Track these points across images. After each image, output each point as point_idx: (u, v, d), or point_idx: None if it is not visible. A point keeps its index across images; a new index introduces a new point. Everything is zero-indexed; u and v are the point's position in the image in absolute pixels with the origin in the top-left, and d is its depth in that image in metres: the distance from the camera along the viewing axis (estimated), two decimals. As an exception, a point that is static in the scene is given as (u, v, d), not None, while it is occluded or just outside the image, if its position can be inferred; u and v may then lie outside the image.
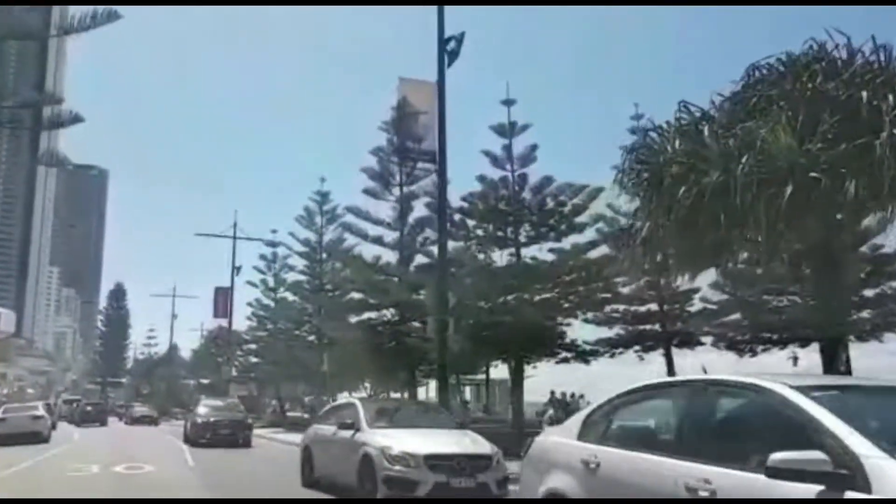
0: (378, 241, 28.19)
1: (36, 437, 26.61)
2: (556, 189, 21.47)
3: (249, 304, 45.19)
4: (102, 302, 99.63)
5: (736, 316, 27.50)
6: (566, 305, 21.17)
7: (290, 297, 40.70)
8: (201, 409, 25.08)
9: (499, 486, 9.50)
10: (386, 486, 9.39)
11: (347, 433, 10.93)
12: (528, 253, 22.21)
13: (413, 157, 17.47)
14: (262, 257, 45.40)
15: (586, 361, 23.43)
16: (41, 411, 28.92)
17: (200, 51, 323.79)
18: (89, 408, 49.27)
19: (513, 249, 22.59)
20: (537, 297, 20.60)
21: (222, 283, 47.43)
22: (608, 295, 22.04)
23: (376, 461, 9.72)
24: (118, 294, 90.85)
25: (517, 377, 22.13)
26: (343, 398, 33.51)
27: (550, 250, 21.19)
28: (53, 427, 36.88)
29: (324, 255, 38.71)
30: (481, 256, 21.70)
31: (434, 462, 9.45)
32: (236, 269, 46.46)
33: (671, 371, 29.13)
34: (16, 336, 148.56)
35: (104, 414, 48.69)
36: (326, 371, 25.69)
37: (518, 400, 22.37)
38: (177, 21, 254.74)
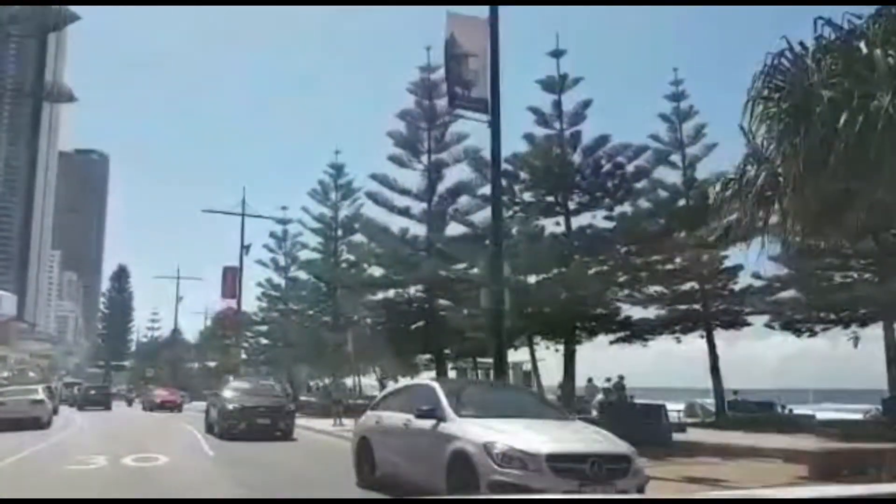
0: (405, 212, 25.69)
1: (35, 423, 24.13)
2: (613, 150, 18.98)
3: (259, 285, 42.71)
4: (105, 285, 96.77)
5: (791, 293, 25.12)
6: (623, 279, 18.62)
7: (303, 275, 38.15)
8: (229, 393, 19.74)
9: (640, 494, 7.01)
10: (493, 493, 6.88)
11: (426, 423, 8.42)
12: (577, 223, 19.79)
13: (463, 104, 14.85)
14: (273, 235, 42.87)
15: (643, 341, 20.95)
16: (41, 395, 26.39)
17: (202, 27, 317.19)
18: (93, 391, 46.70)
19: (560, 219, 20.14)
20: (594, 270, 18.07)
21: (227, 266, 44.84)
22: (671, 266, 19.53)
23: (478, 461, 7.22)
24: (121, 276, 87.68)
25: (569, 358, 19.69)
26: (360, 380, 30.75)
27: (607, 217, 18.67)
28: (55, 411, 34.45)
29: (339, 232, 36.22)
30: (528, 225, 19.11)
31: (560, 464, 6.98)
32: (245, 248, 43.83)
33: (713, 355, 26.75)
34: (18, 320, 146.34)
35: (108, 397, 46.11)
36: (351, 352, 23.23)
37: (569, 383, 19.92)
38: None
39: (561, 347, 20.51)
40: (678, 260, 19.43)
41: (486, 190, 22.13)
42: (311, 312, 36.35)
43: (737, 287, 25.97)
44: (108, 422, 30.04)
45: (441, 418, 8.25)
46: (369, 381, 62.29)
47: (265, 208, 45.37)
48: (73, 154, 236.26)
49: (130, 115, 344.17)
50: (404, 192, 25.57)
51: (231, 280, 43.89)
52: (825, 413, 31.07)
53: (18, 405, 24.67)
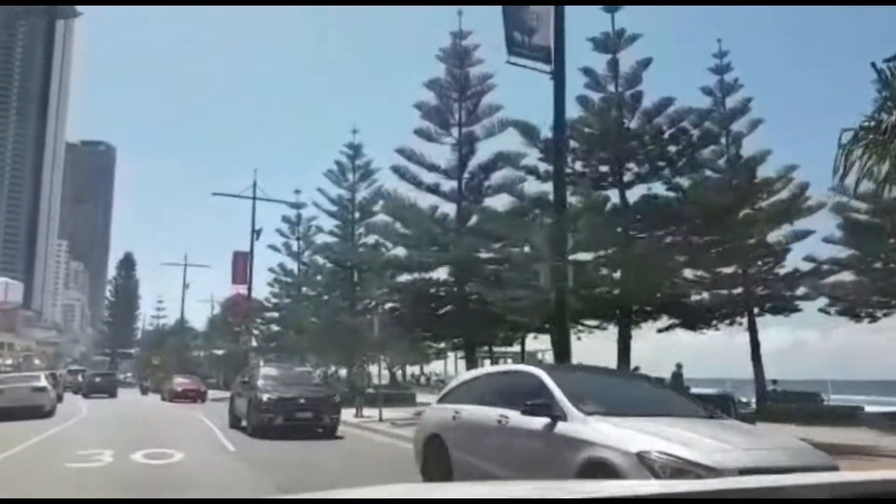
0: (433, 189, 23.53)
1: (37, 412, 22.13)
2: (676, 114, 16.83)
3: (271, 270, 40.61)
4: (111, 273, 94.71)
5: (850, 275, 23.03)
6: (689, 259, 16.42)
7: (318, 260, 36.06)
8: (263, 381, 16.08)
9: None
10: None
11: (535, 422, 6.28)
12: (632, 195, 17.61)
13: (522, 52, 12.73)
14: (286, 219, 40.78)
15: (698, 327, 18.82)
16: (43, 381, 24.31)
17: (208, 12, 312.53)
18: (98, 378, 44.34)
19: (613, 191, 17.98)
20: (658, 246, 15.87)
21: (238, 251, 42.70)
22: (739, 245, 17.33)
23: (630, 477, 5.13)
24: (127, 263, 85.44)
25: (623, 345, 17.56)
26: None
27: (670, 188, 16.46)
28: (59, 399, 32.59)
29: (357, 215, 34.09)
30: (589, 196, 16.89)
31: None
32: (256, 233, 41.74)
33: (755, 342, 24.74)
34: (24, 308, 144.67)
35: (114, 385, 44.00)
36: (377, 337, 21.14)
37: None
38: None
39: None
40: (749, 238, 17.32)
41: (524, 164, 20.13)
42: (326, 298, 34.27)
43: (783, 270, 23.96)
44: (115, 411, 28.01)
45: (559, 416, 6.10)
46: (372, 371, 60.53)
47: (276, 194, 43.21)
48: (79, 145, 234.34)
49: (137, 103, 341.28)
50: (433, 167, 23.42)
51: (242, 265, 41.80)
52: (874, 406, 29.00)
53: (19, 393, 22.62)
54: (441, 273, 23.65)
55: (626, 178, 17.27)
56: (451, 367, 58.94)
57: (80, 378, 47.71)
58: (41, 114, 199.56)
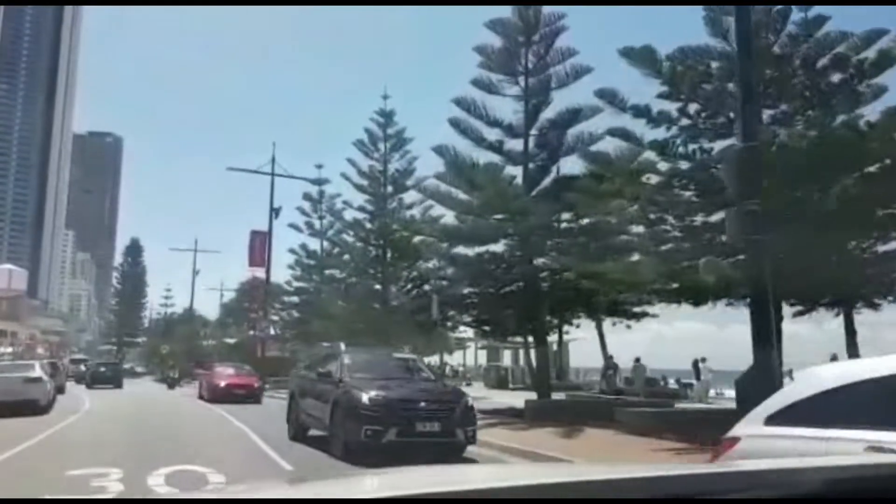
0: (495, 148, 19.54)
1: (30, 407, 18.23)
2: (828, 40, 12.87)
3: (291, 251, 36.60)
4: (117, 262, 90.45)
5: None
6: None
7: (346, 238, 32.00)
8: (355, 374, 10.79)
9: None
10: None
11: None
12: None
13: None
14: (307, 196, 36.75)
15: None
16: (38, 371, 20.28)
17: None
18: (102, 368, 41.21)
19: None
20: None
21: (255, 230, 38.71)
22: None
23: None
24: (134, 250, 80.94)
25: (850, 333, 13.47)
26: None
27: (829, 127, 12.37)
28: (60, 390, 28.77)
29: (389, 189, 30.13)
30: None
31: None
32: (275, 212, 37.76)
33: (851, 331, 20.67)
34: (31, 298, 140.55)
35: (119, 375, 40.71)
36: (436, 319, 17.25)
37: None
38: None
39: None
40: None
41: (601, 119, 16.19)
42: (354, 280, 30.33)
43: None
44: (124, 406, 24.05)
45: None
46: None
47: (294, 172, 39.13)
48: (86, 136, 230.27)
49: (146, 86, 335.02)
50: (495, 122, 19.44)
51: (259, 246, 37.82)
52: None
53: (8, 385, 18.62)
54: (504, 245, 19.69)
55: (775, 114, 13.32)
56: (470, 358, 55.14)
57: (83, 367, 44.59)
58: (48, 103, 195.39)
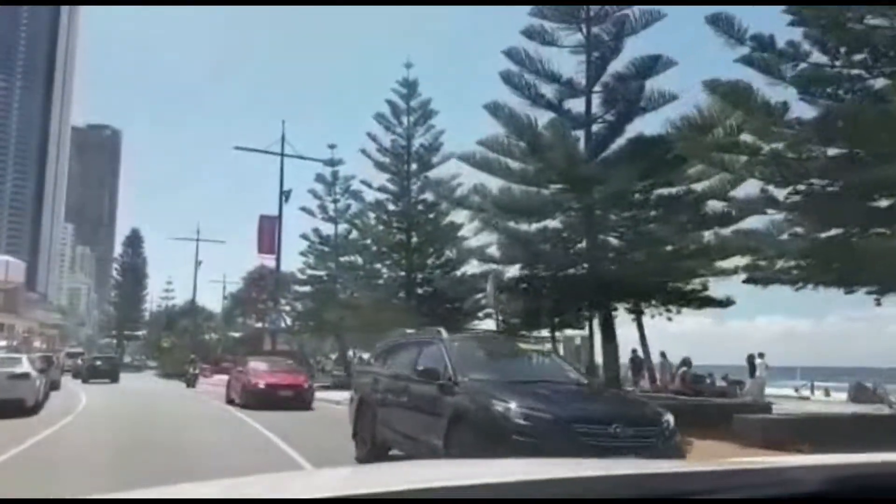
0: (554, 107, 16.69)
1: (15, 408, 15.45)
2: None
3: (304, 237, 33.73)
4: (117, 253, 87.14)
5: None
6: None
7: (363, 222, 29.09)
8: (478, 375, 7.38)
9: None
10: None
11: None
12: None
13: None
14: (320, 179, 33.88)
15: None
16: (25, 367, 17.37)
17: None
18: (98, 362, 39.37)
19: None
20: None
21: (264, 215, 35.81)
22: None
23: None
24: (134, 240, 77.69)
25: None
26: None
27: None
28: (55, 386, 26.07)
29: (413, 166, 27.29)
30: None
31: None
32: (285, 195, 34.90)
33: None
34: (29, 291, 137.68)
35: (116, 369, 38.89)
36: (494, 301, 14.39)
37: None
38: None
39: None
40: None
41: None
42: (375, 266, 27.47)
43: None
44: (125, 405, 21.21)
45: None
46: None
47: (304, 154, 36.14)
48: (85, 129, 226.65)
49: (145, 74, 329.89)
50: (552, 78, 16.61)
51: (269, 232, 34.93)
52: None
53: (-10, 381, 15.85)
54: (555, 222, 16.88)
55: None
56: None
57: (79, 361, 42.54)
58: (46, 95, 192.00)
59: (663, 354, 24.19)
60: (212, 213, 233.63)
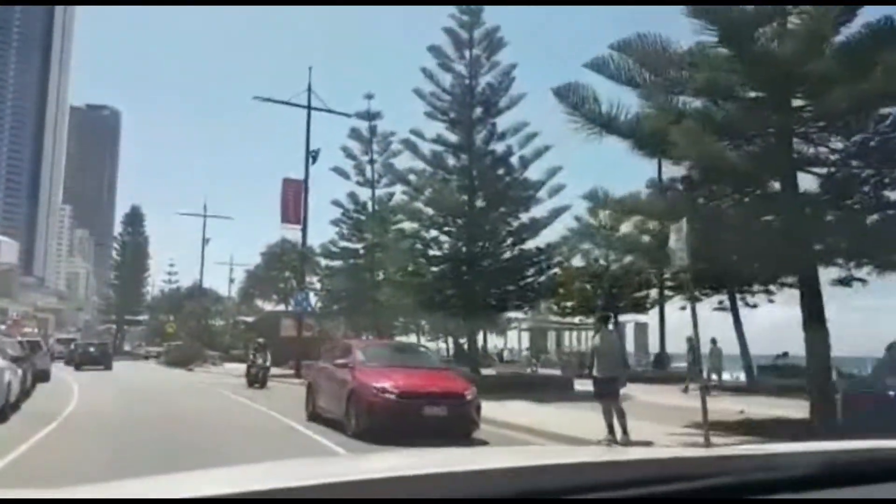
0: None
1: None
2: None
3: (335, 204, 28.82)
4: (117, 232, 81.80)
5: None
6: None
7: (421, 181, 24.02)
8: None
9: None
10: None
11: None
12: None
13: None
14: (354, 135, 28.99)
15: None
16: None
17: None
18: (91, 348, 38.14)
19: None
20: None
21: (289, 178, 30.96)
22: None
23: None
24: (134, 218, 72.13)
25: None
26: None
27: None
28: (43, 377, 21.97)
29: (477, 111, 22.43)
30: None
31: None
32: (312, 155, 30.09)
33: None
34: (26, 274, 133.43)
35: (108, 356, 37.85)
36: (684, 267, 9.69)
37: None
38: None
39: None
40: None
41: None
42: (428, 236, 22.59)
43: None
44: (131, 406, 16.45)
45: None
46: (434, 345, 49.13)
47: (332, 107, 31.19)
48: (84, 109, 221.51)
49: (148, 41, 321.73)
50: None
51: (293, 198, 30.11)
52: None
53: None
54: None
55: None
56: (514, 341, 47.52)
57: (71, 347, 40.96)
58: (43, 72, 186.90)
59: (714, 341, 22.34)
60: (218, 193, 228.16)
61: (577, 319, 32.15)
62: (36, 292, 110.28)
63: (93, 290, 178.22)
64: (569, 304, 29.99)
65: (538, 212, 21.83)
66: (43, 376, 23.79)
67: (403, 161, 27.85)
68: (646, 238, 13.06)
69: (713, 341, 22.59)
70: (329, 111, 30.90)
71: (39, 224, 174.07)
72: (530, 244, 21.59)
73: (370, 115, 28.84)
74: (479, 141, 22.13)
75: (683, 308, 28.17)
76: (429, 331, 40.27)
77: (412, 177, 23.11)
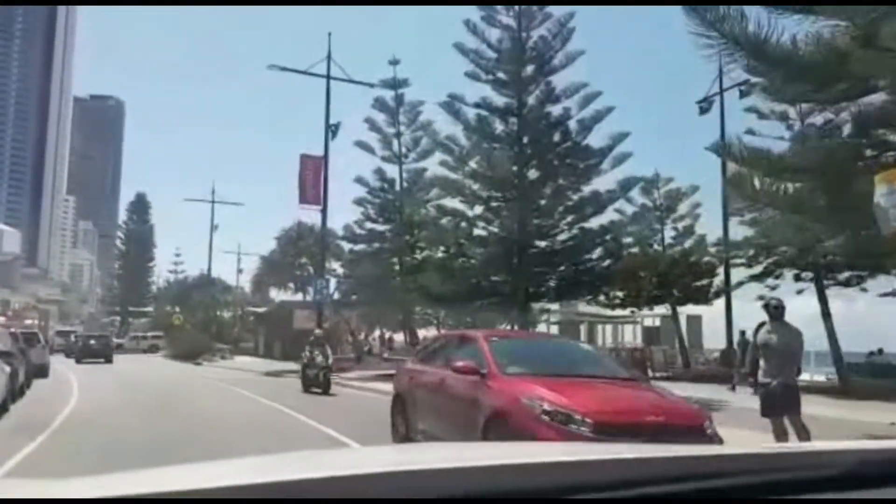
0: None
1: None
2: None
3: (358, 181, 26.17)
4: (121, 220, 78.99)
5: None
6: None
7: (473, 148, 21.22)
8: None
9: None
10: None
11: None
12: None
13: None
14: (377, 104, 26.35)
15: None
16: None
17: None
18: (92, 341, 37.24)
19: None
20: None
21: (306, 154, 28.33)
22: None
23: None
24: (139, 206, 69.33)
25: None
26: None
27: None
28: (40, 373, 20.06)
29: (529, 69, 19.74)
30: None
31: None
32: (332, 129, 27.48)
33: None
34: (29, 266, 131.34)
35: (110, 349, 37.12)
36: (887, 213, 7.14)
37: None
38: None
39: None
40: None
41: None
42: (479, 211, 19.90)
43: None
44: (137, 406, 13.86)
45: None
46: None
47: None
48: (87, 100, 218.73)
49: (153, 25, 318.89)
50: None
51: (313, 176, 27.45)
52: None
53: None
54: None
55: None
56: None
57: (72, 339, 40.54)
58: (45, 62, 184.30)
59: (743, 333, 20.56)
60: (229, 180, 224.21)
61: (627, 311, 29.06)
62: (39, 284, 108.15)
63: (97, 282, 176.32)
64: (620, 293, 27.03)
65: (600, 185, 19.25)
66: (40, 372, 21.59)
67: (434, 133, 25.32)
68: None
69: (742, 333, 20.76)
70: (350, 81, 28.21)
71: (43, 215, 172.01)
72: (592, 222, 18.98)
73: (396, 83, 26.17)
74: (531, 103, 19.48)
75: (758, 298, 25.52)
76: (448, 323, 37.38)
77: (453, 146, 20.41)
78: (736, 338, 25.69)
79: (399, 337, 29.70)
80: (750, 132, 25.01)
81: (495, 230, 19.24)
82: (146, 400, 15.26)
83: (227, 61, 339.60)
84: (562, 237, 19.21)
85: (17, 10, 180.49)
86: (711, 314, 28.67)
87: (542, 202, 19.03)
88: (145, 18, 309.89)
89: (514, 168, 19.11)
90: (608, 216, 20.04)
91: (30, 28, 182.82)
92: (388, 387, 10.54)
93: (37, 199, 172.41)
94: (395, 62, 26.25)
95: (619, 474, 1.07)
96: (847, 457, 1.24)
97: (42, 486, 1.10)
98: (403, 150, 25.85)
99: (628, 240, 24.69)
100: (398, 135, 26.09)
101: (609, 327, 41.53)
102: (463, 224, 19.35)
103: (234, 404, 15.43)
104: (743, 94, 28.30)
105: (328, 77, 27.67)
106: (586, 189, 18.83)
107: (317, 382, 16.89)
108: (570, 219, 19.03)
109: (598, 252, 19.05)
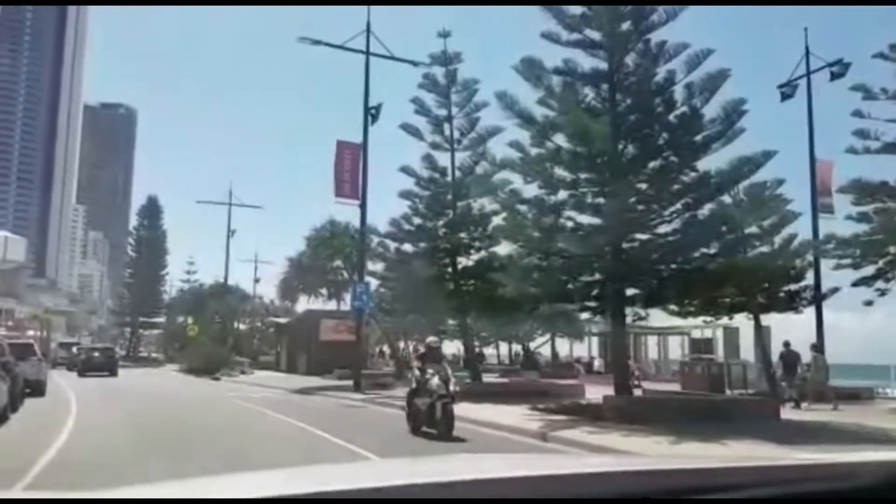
0: None
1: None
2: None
3: (404, 171, 22.83)
4: (132, 226, 76.07)
5: None
6: None
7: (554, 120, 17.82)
8: None
9: None
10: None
11: None
12: None
13: None
14: (427, 83, 23.06)
15: None
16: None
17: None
18: (95, 353, 36.64)
19: None
20: None
21: (343, 141, 25.11)
22: None
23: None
24: (151, 210, 66.26)
25: None
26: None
27: None
28: (36, 391, 17.98)
29: (626, 25, 16.34)
30: None
31: None
32: (372, 112, 24.29)
33: None
34: (38, 276, 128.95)
35: (114, 362, 36.30)
36: None
37: None
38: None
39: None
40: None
41: None
42: (553, 202, 16.50)
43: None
44: (150, 442, 10.52)
45: None
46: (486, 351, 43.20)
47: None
48: (98, 108, 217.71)
49: (166, 27, 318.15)
50: None
51: (350, 164, 24.20)
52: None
53: None
54: None
55: None
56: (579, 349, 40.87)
57: (75, 351, 39.24)
58: (55, 70, 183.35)
59: (814, 347, 20.22)
60: (245, 185, 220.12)
61: (699, 320, 25.48)
62: (46, 294, 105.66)
63: (107, 293, 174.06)
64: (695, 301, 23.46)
65: (710, 164, 15.87)
66: (37, 390, 18.58)
67: (489, 117, 22.09)
68: None
69: (815, 349, 19.85)
70: (392, 58, 25.14)
71: (52, 224, 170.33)
72: (706, 209, 15.57)
73: (447, 59, 22.88)
74: (627, 65, 16.14)
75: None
76: (480, 334, 33.60)
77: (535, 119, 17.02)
78: (777, 348, 22.27)
79: (447, 349, 26.29)
80: (857, 114, 21.58)
81: (589, 219, 15.85)
82: (163, 430, 11.91)
83: (245, 44, 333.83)
84: (667, 228, 15.81)
85: (27, 18, 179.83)
86: (779, 325, 25.37)
87: (646, 186, 15.64)
88: (156, 21, 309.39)
89: (610, 144, 15.74)
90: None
91: (39, 36, 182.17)
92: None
93: (45, 209, 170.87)
94: (445, 34, 23.00)
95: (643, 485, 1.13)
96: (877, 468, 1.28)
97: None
98: (456, 134, 22.54)
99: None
100: (450, 118, 22.80)
101: (651, 338, 37.95)
102: (547, 215, 15.96)
103: (298, 447, 10.66)
104: (834, 76, 24.73)
105: (367, 53, 24.58)
106: (698, 169, 15.43)
107: (432, 420, 11.07)
108: (678, 206, 15.62)
109: (714, 247, 15.62)
